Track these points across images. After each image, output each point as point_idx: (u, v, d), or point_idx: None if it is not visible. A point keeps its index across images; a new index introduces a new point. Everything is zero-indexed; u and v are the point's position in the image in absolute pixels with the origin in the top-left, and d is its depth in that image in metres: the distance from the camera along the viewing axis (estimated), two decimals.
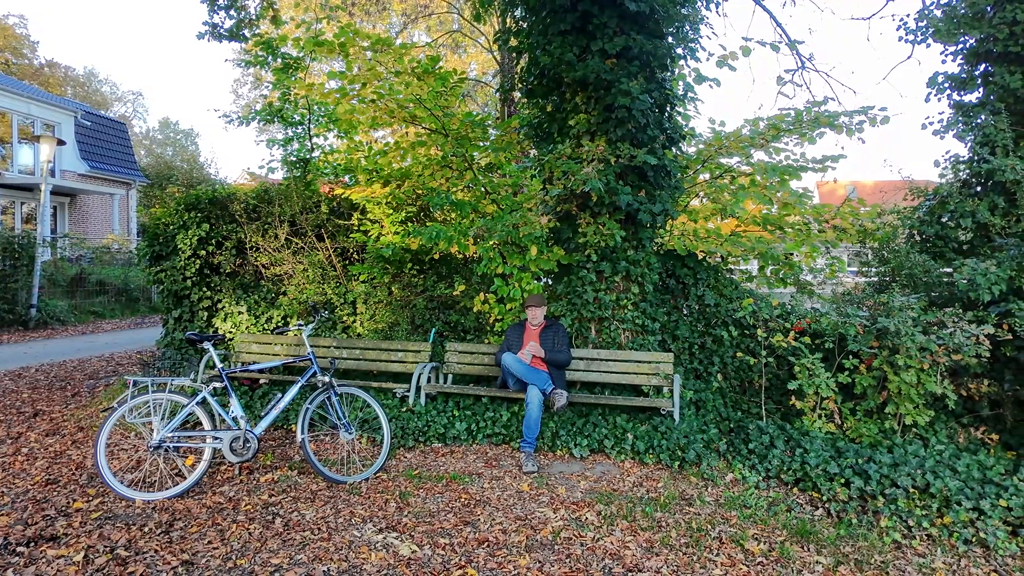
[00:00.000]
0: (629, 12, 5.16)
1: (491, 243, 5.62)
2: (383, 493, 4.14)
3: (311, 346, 5.19)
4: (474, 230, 5.61)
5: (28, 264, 12.15)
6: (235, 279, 7.20)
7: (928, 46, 7.26)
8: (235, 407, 4.37)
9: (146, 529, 3.55)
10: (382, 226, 6.92)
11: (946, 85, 6.93)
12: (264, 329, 6.90)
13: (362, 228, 7.00)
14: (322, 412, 4.86)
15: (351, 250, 7.15)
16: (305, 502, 3.98)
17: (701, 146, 6.29)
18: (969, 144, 6.47)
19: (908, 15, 7.21)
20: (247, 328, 6.92)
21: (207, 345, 4.57)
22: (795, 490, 4.29)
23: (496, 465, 4.75)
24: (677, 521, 3.79)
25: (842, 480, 4.12)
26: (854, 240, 6.30)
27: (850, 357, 4.83)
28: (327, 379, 4.55)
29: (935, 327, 4.55)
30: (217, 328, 7.06)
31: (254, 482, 4.29)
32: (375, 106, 5.92)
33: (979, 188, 6.38)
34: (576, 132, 5.48)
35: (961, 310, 4.63)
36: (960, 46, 6.81)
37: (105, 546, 3.33)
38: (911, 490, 3.91)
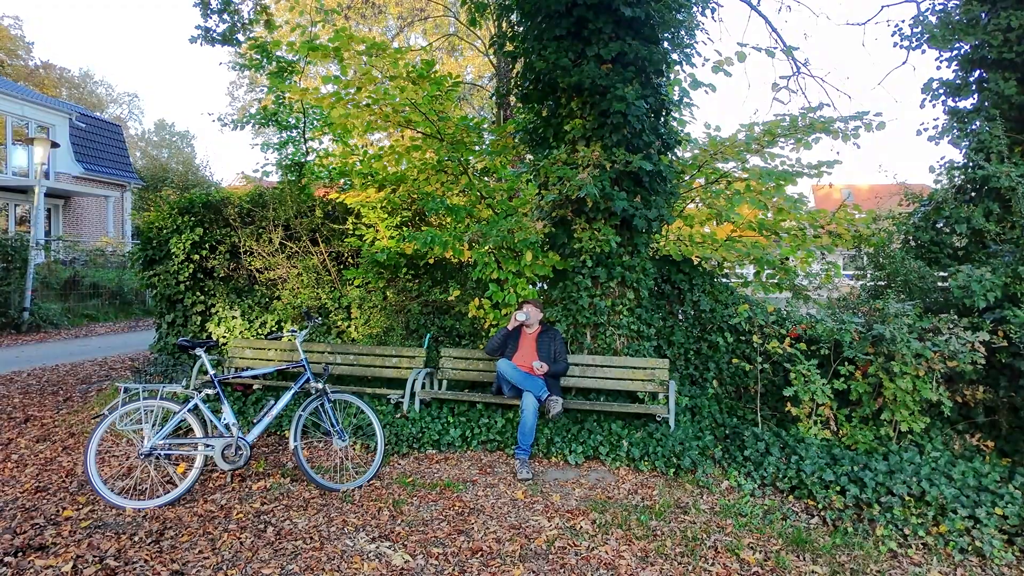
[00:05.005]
0: (624, 17, 5.15)
1: (486, 248, 5.60)
2: (376, 501, 4.11)
3: (304, 352, 5.15)
4: (469, 235, 5.59)
5: (21, 267, 12.08)
6: (229, 283, 7.16)
7: (923, 52, 7.29)
8: (227, 414, 4.33)
9: (136, 538, 3.51)
10: (377, 231, 6.89)
11: (941, 91, 6.96)
12: (258, 334, 6.86)
13: (357, 232, 6.97)
14: (315, 419, 4.82)
15: (346, 255, 7.12)
16: (297, 510, 3.94)
17: (696, 151, 6.27)
18: (964, 150, 6.49)
19: (903, 21, 7.24)
20: (240, 333, 6.88)
21: (199, 351, 4.53)
22: (791, 498, 4.28)
23: (491, 472, 4.72)
24: (672, 530, 3.77)
25: (838, 488, 4.11)
26: (849, 245, 6.30)
27: (846, 363, 4.82)
28: (320, 385, 4.52)
29: (930, 334, 4.54)
30: (211, 333, 7.01)
31: (246, 490, 4.25)
32: (370, 110, 5.90)
33: (974, 194, 6.40)
34: (572, 137, 5.47)
35: (956, 316, 4.63)
36: (955, 52, 6.84)
37: (94, 556, 3.29)
38: (907, 498, 3.90)
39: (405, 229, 6.88)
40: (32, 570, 3.14)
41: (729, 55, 5.49)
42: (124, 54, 70.86)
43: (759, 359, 5.25)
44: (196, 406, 4.28)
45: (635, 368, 5.32)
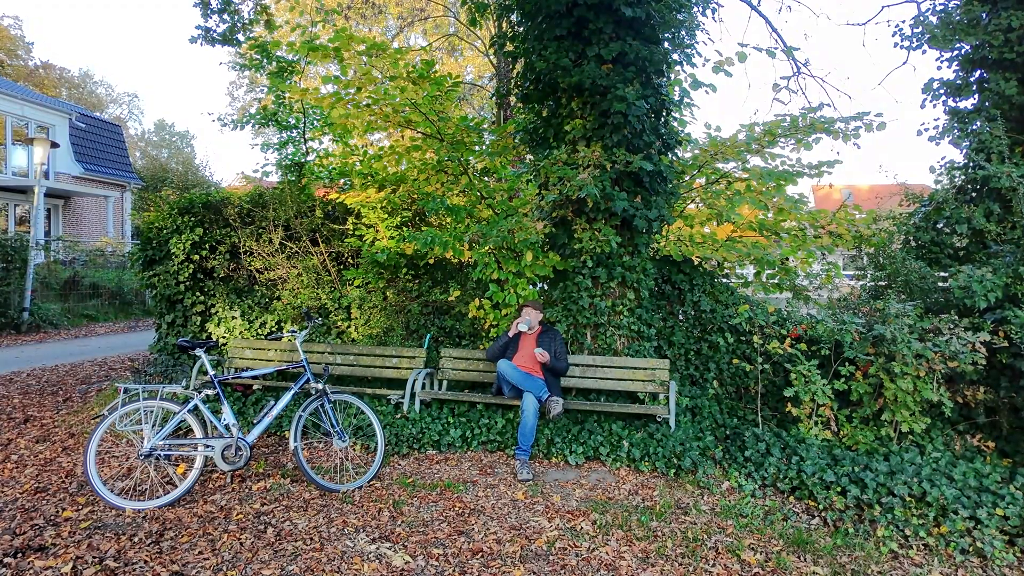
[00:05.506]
0: (625, 18, 5.14)
1: (486, 248, 5.59)
2: (377, 501, 4.10)
3: (304, 352, 5.14)
4: (469, 235, 5.59)
5: (21, 267, 12.07)
6: (229, 284, 7.15)
7: (924, 52, 7.29)
8: (227, 414, 4.33)
9: (136, 539, 3.50)
10: (377, 231, 6.89)
11: (941, 91, 6.96)
12: (258, 334, 6.86)
13: (357, 233, 6.96)
14: (315, 419, 4.82)
15: (346, 255, 7.12)
16: (297, 511, 3.93)
17: (697, 151, 6.26)
18: (964, 150, 6.49)
19: (904, 21, 7.24)
20: (240, 333, 6.87)
21: (199, 352, 4.52)
22: (791, 498, 4.27)
23: (491, 472, 4.72)
24: (673, 531, 3.76)
25: (838, 488, 4.10)
26: (850, 246, 6.29)
27: (846, 364, 4.82)
28: (320, 386, 4.51)
29: (931, 334, 4.54)
30: (211, 333, 7.01)
31: (246, 490, 4.24)
32: (370, 110, 5.89)
33: (974, 194, 6.40)
34: (572, 137, 5.47)
35: (957, 317, 4.62)
36: (955, 52, 6.84)
37: (94, 557, 3.29)
38: (907, 499, 3.90)
39: (405, 229, 6.87)
40: (32, 571, 3.14)
41: (730, 55, 5.48)
42: (124, 54, 70.88)
43: (759, 359, 5.24)
44: (196, 407, 4.28)
45: (635, 368, 5.31)
